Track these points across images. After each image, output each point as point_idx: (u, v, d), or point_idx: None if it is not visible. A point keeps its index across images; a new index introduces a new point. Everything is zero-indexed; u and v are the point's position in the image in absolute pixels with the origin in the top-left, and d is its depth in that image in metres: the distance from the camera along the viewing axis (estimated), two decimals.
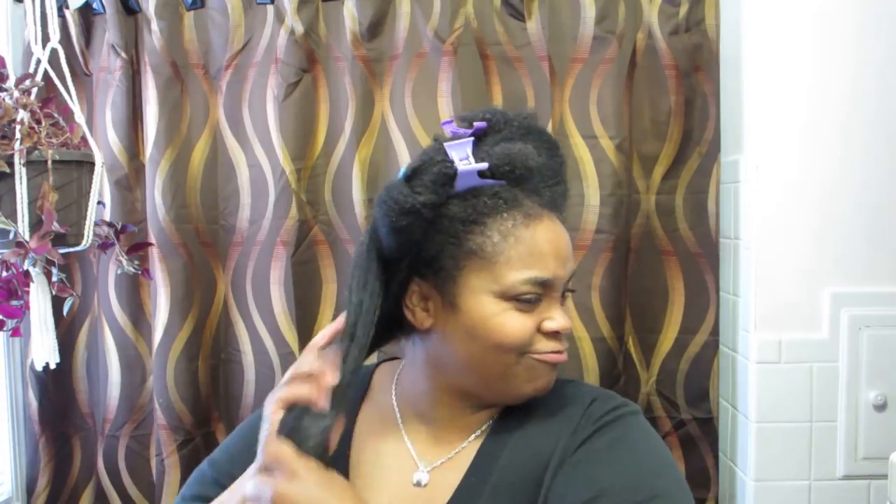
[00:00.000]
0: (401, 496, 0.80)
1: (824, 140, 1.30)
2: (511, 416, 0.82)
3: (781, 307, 1.31)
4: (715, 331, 1.40)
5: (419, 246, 0.78)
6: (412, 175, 0.77)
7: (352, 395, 0.89)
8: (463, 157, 0.77)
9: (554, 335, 0.79)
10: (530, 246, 0.77)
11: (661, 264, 1.42)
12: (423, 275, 0.79)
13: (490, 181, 0.78)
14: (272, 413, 0.73)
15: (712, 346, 1.40)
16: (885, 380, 1.30)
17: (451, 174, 0.76)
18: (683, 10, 1.37)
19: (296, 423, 0.72)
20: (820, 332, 1.31)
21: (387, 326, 0.82)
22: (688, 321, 1.41)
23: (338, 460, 0.83)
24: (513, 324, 0.77)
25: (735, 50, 1.36)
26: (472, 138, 0.79)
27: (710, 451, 1.41)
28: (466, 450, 0.81)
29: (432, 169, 0.76)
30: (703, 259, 1.40)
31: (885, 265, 1.31)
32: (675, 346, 1.42)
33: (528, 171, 0.79)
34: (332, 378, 0.73)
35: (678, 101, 1.38)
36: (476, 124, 0.81)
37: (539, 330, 0.78)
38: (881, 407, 1.30)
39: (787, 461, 1.31)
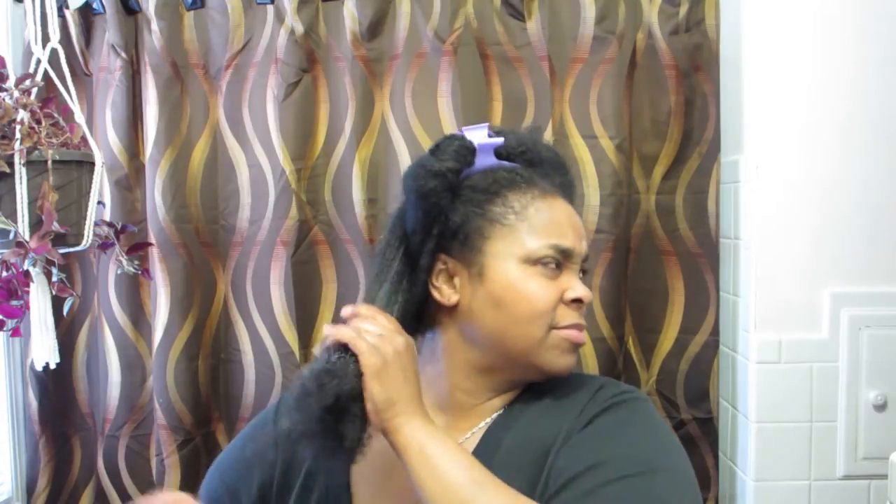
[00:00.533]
0: (406, 497, 0.80)
1: (824, 140, 1.30)
2: (521, 401, 0.84)
3: (781, 307, 1.31)
4: (715, 331, 1.40)
5: (445, 216, 0.82)
6: (436, 148, 0.83)
7: None
8: (481, 138, 0.84)
9: (576, 305, 0.82)
10: (550, 216, 0.82)
11: (661, 264, 1.42)
12: (448, 249, 0.83)
13: (506, 163, 0.84)
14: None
15: (712, 346, 1.40)
16: (885, 380, 1.30)
17: (471, 147, 0.82)
18: (683, 10, 1.37)
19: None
20: (820, 332, 1.31)
21: (408, 323, 0.84)
22: (688, 321, 1.41)
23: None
24: (539, 288, 0.80)
25: (735, 50, 1.36)
26: (487, 124, 0.86)
27: (710, 451, 1.41)
28: (475, 435, 0.82)
29: (454, 142, 0.83)
30: (703, 259, 1.40)
31: (885, 265, 1.31)
32: (675, 346, 1.42)
33: (539, 156, 0.86)
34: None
35: (678, 101, 1.38)
36: (494, 141, 0.86)
37: (562, 300, 0.81)
38: (881, 407, 1.30)
39: (787, 461, 1.31)
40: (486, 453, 0.79)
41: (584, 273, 0.87)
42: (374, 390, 0.74)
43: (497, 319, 0.81)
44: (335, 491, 0.84)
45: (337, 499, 0.84)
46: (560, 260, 0.81)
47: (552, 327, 0.81)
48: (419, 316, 0.85)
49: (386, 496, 0.82)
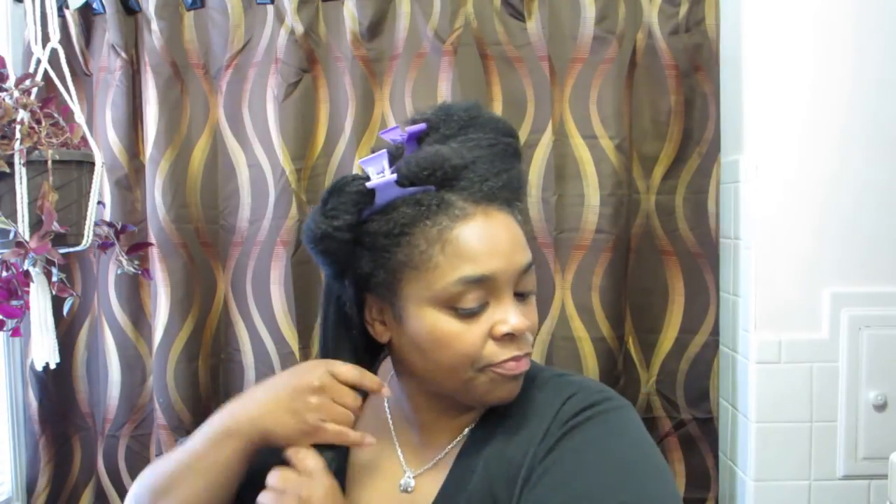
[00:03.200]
0: (388, 501, 0.81)
1: (824, 140, 1.30)
2: (490, 419, 0.80)
3: (781, 307, 1.31)
4: (715, 331, 1.40)
5: (352, 266, 0.77)
6: (327, 198, 0.75)
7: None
8: (379, 171, 0.75)
9: (509, 338, 0.74)
10: (458, 247, 0.73)
11: (661, 264, 1.42)
12: (370, 289, 0.78)
13: (413, 189, 0.74)
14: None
15: (712, 346, 1.40)
16: (885, 380, 1.30)
17: (364, 191, 0.74)
18: (683, 10, 1.37)
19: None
20: (820, 332, 1.31)
21: (365, 356, 0.83)
22: (688, 321, 1.41)
23: (339, 456, 0.84)
24: (458, 334, 0.73)
25: (735, 50, 1.36)
26: (385, 151, 0.77)
27: (710, 451, 1.41)
28: (448, 455, 0.81)
29: (346, 189, 0.75)
30: (703, 259, 1.40)
31: (885, 265, 1.31)
32: (675, 346, 1.42)
33: (452, 170, 0.74)
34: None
35: (678, 100, 1.38)
36: (410, 128, 0.79)
37: (492, 336, 0.74)
38: (881, 407, 1.30)
39: (787, 461, 1.31)
40: (460, 481, 0.78)
41: (524, 296, 0.77)
42: None
43: (423, 362, 0.77)
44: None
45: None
46: (482, 292, 0.73)
47: (484, 366, 0.74)
48: (375, 343, 0.82)
49: (373, 489, 0.82)
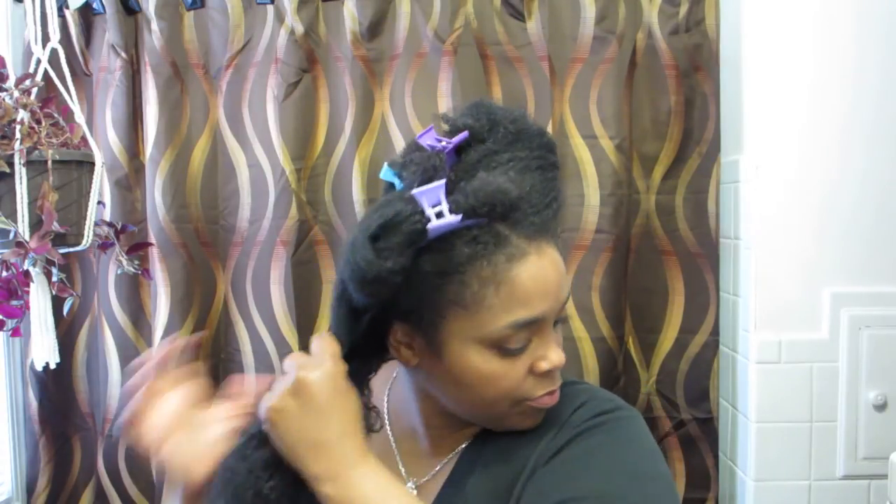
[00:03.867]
0: None
1: (824, 140, 1.30)
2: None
3: (781, 307, 1.31)
4: (715, 331, 1.40)
5: (394, 301, 0.71)
6: (379, 234, 0.67)
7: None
8: (435, 202, 0.68)
9: (547, 374, 0.74)
10: (513, 289, 0.70)
11: (661, 264, 1.42)
12: (402, 319, 0.74)
13: (468, 221, 0.69)
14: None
15: (712, 346, 1.40)
16: (885, 380, 1.30)
17: (421, 230, 0.67)
18: (683, 10, 1.37)
19: None
20: (820, 332, 1.31)
21: (370, 355, 0.79)
22: (688, 321, 1.41)
23: None
24: (502, 373, 0.72)
25: (735, 50, 1.36)
26: (443, 184, 0.69)
27: (710, 451, 1.41)
28: (451, 461, 0.80)
29: (401, 227, 0.66)
30: (703, 259, 1.40)
31: (885, 265, 1.31)
32: (675, 346, 1.42)
33: (510, 205, 0.70)
34: None
35: (678, 100, 1.38)
36: (453, 139, 0.74)
37: (531, 371, 0.73)
38: (881, 407, 1.30)
39: (787, 461, 1.31)
40: (459, 480, 0.78)
41: (563, 321, 0.77)
42: (278, 443, 0.71)
43: (458, 395, 0.75)
44: None
45: None
46: (527, 336, 0.72)
47: (520, 400, 0.74)
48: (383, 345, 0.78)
49: None
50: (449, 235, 0.68)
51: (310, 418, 0.70)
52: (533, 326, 0.72)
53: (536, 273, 0.71)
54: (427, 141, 0.75)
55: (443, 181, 0.69)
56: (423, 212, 0.67)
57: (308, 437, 0.70)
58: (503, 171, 0.72)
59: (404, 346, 0.76)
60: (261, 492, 0.71)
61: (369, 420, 0.77)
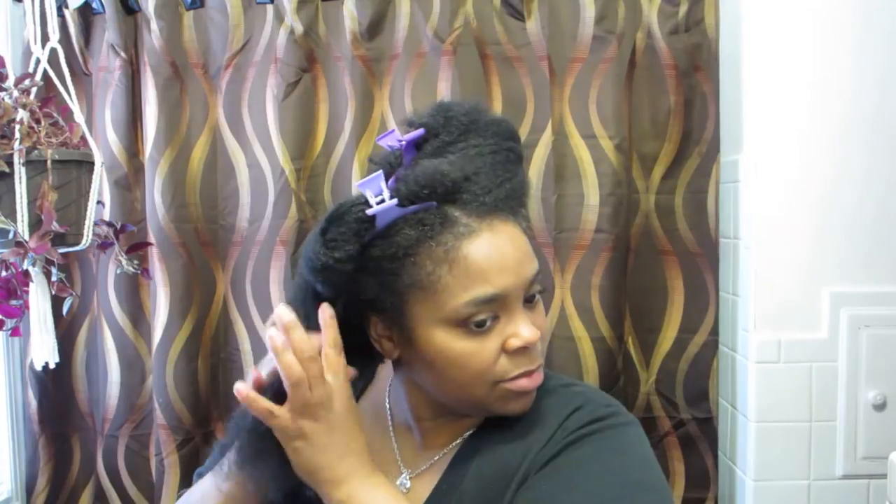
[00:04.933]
0: None
1: (824, 140, 1.30)
2: (491, 424, 0.80)
3: (781, 307, 1.31)
4: (714, 331, 1.40)
5: (355, 291, 0.74)
6: (326, 228, 0.71)
7: (360, 384, 0.89)
8: (377, 193, 0.71)
9: (522, 351, 0.73)
10: (467, 266, 0.71)
11: (661, 264, 1.42)
12: (375, 310, 0.76)
13: (414, 207, 0.71)
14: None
15: (712, 345, 1.40)
16: (884, 379, 1.30)
17: (364, 218, 0.70)
18: (683, 9, 1.37)
19: None
20: (819, 331, 1.31)
21: (356, 354, 0.79)
22: (687, 321, 1.41)
23: None
24: (471, 352, 0.72)
25: (734, 49, 1.36)
26: (380, 173, 0.72)
27: (709, 450, 1.41)
28: (445, 457, 0.81)
29: (346, 217, 0.71)
30: (702, 259, 1.40)
31: (885, 265, 1.31)
32: (675, 345, 1.42)
33: (453, 184, 0.72)
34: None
35: (678, 100, 1.38)
36: (408, 136, 0.78)
37: (504, 350, 0.73)
38: (880, 406, 1.30)
39: (787, 461, 1.31)
40: (454, 479, 0.78)
41: (538, 294, 0.76)
42: (295, 462, 0.74)
43: (436, 381, 0.76)
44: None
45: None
46: (490, 313, 0.72)
47: (497, 382, 0.74)
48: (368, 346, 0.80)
49: None
50: (398, 222, 0.71)
51: (324, 438, 0.73)
52: (495, 303, 0.72)
53: (489, 250, 0.72)
54: (387, 142, 0.79)
55: (380, 171, 0.72)
56: (365, 201, 0.71)
57: (322, 456, 0.73)
58: (449, 159, 0.75)
59: (385, 338, 0.77)
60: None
61: None
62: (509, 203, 0.75)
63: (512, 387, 0.74)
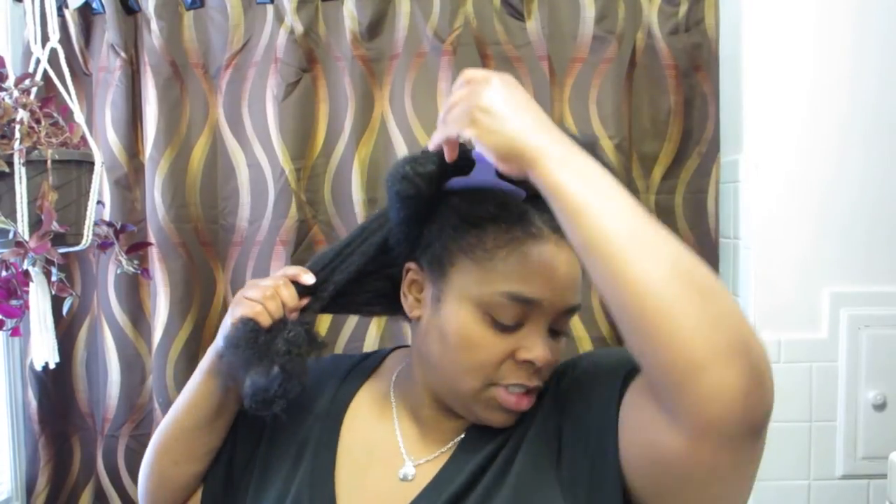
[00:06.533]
0: (385, 488, 0.80)
1: (824, 140, 1.30)
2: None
3: (781, 307, 1.31)
4: None
5: (422, 225, 0.78)
6: (424, 149, 0.76)
7: (355, 374, 0.91)
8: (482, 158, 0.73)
9: (526, 366, 0.74)
10: (521, 262, 0.73)
11: None
12: (420, 259, 0.79)
13: (507, 185, 0.74)
14: None
15: None
16: (884, 379, 1.30)
17: (464, 155, 0.74)
18: (683, 9, 1.37)
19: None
20: (819, 331, 1.31)
21: (387, 299, 0.84)
22: None
23: (328, 435, 0.85)
24: (485, 343, 0.73)
25: (734, 49, 1.36)
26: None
27: None
28: (450, 449, 0.81)
29: (439, 154, 0.75)
30: (702, 259, 1.39)
31: (885, 265, 1.31)
32: None
33: None
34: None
35: (678, 100, 1.38)
36: None
37: (513, 357, 0.74)
38: (880, 406, 1.30)
39: (787, 461, 1.31)
40: (461, 462, 0.78)
41: (557, 335, 0.77)
42: (485, 140, 0.67)
43: (440, 353, 0.77)
44: (320, 474, 0.83)
45: (320, 482, 0.82)
46: (521, 313, 0.73)
47: (491, 383, 0.74)
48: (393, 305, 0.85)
49: (361, 489, 0.82)
50: (484, 190, 0.74)
51: (523, 99, 0.68)
52: (527, 308, 0.73)
53: (547, 258, 0.73)
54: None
55: None
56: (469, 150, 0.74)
57: (528, 112, 0.67)
58: None
59: (413, 296, 0.80)
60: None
61: (317, 341, 0.82)
62: None
63: (501, 396, 0.75)
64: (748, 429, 0.58)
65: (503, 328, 0.73)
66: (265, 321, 0.79)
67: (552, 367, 0.78)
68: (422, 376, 0.82)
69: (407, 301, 0.81)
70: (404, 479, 0.80)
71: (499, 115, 0.67)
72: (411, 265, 0.81)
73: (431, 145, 0.75)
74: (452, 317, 0.75)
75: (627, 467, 0.67)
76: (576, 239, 0.63)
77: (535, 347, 0.74)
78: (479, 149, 0.68)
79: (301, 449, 0.85)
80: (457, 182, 0.76)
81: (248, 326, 0.79)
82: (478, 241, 0.74)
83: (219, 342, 0.84)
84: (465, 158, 0.75)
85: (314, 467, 0.83)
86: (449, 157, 0.74)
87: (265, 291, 0.81)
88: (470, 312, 0.74)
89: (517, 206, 0.74)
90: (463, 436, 0.81)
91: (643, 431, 0.65)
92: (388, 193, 0.78)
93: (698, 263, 0.62)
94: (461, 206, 0.75)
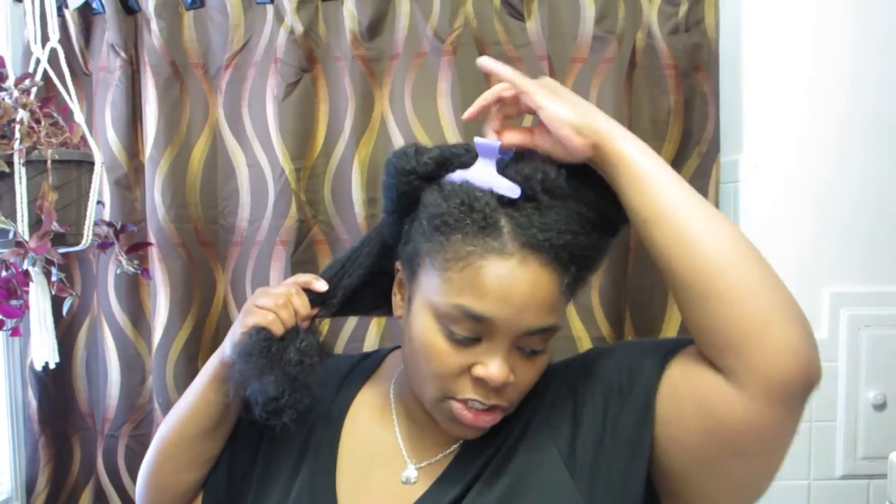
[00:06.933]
0: (387, 491, 0.80)
1: (823, 140, 1.30)
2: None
3: None
4: None
5: (402, 220, 0.78)
6: (424, 145, 0.78)
7: (355, 375, 0.91)
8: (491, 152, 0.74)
9: (482, 383, 0.71)
10: (476, 276, 0.69)
11: None
12: (399, 257, 0.80)
13: (504, 183, 0.71)
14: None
15: None
16: (884, 379, 1.30)
17: (472, 151, 0.75)
18: (683, 9, 1.37)
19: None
20: (819, 331, 1.31)
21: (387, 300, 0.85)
22: None
23: (329, 438, 0.84)
24: (440, 352, 0.71)
25: (734, 49, 1.36)
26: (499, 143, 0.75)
27: None
28: (452, 453, 0.81)
29: (445, 146, 0.78)
30: None
31: (885, 265, 1.31)
32: None
33: (541, 188, 0.70)
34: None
35: (678, 100, 1.38)
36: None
37: (469, 371, 0.72)
38: (880, 406, 1.30)
39: (787, 461, 1.30)
40: (466, 463, 0.78)
41: (532, 353, 0.73)
42: (561, 110, 0.71)
43: (409, 357, 0.77)
44: (321, 477, 0.83)
45: (322, 486, 0.82)
46: (476, 328, 0.70)
47: (447, 396, 0.73)
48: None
49: (363, 492, 0.81)
50: (459, 192, 0.71)
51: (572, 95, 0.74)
52: (480, 325, 0.70)
53: (506, 276, 0.69)
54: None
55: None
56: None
57: (586, 104, 0.74)
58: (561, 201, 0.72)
59: (399, 296, 0.81)
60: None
61: (326, 350, 0.83)
62: (561, 254, 0.70)
63: (456, 410, 0.73)
64: (806, 388, 0.62)
65: (458, 342, 0.71)
66: (278, 330, 0.79)
67: (520, 388, 0.75)
68: (406, 378, 0.83)
69: (395, 300, 0.82)
70: (406, 482, 0.80)
71: (572, 96, 0.73)
72: (398, 263, 0.81)
73: (491, 94, 0.77)
74: (416, 322, 0.74)
75: (667, 449, 0.69)
76: (645, 208, 0.68)
77: (491, 365, 0.70)
78: (550, 119, 0.71)
79: (302, 452, 0.85)
80: (453, 177, 0.74)
81: (261, 335, 0.78)
82: (440, 246, 0.71)
83: (226, 350, 0.83)
84: (461, 154, 0.77)
85: (315, 470, 0.82)
86: (477, 113, 0.77)
87: (277, 300, 0.81)
88: (429, 319, 0.72)
89: (487, 213, 0.70)
90: (451, 450, 0.81)
91: (697, 403, 0.67)
92: (383, 183, 0.79)
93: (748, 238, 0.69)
94: (431, 206, 0.73)
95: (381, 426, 0.85)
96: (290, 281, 0.85)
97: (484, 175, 0.72)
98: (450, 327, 0.71)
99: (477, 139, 0.74)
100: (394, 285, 0.83)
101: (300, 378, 0.77)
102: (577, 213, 0.71)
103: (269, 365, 0.77)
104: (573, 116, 0.70)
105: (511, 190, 0.71)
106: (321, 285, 0.84)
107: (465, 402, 0.73)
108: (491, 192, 0.71)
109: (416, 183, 0.75)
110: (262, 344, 0.78)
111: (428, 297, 0.73)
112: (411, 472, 0.81)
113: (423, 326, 0.73)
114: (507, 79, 0.75)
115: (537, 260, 0.69)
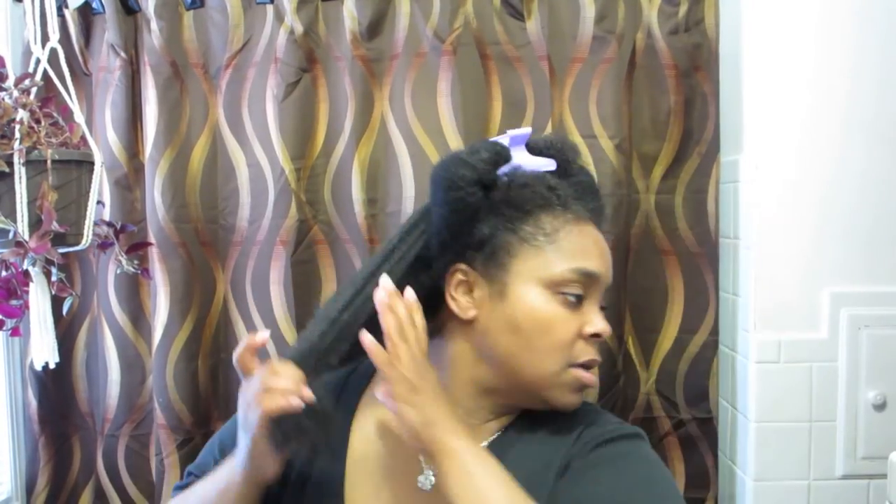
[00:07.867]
0: (404, 496, 0.80)
1: (824, 139, 1.30)
2: (516, 427, 0.82)
3: (781, 307, 1.31)
4: (714, 331, 1.40)
5: (472, 224, 0.80)
6: (470, 149, 0.83)
7: (355, 378, 0.90)
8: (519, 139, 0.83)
9: (593, 340, 0.81)
10: (579, 241, 0.80)
11: (661, 264, 1.42)
12: (471, 261, 0.81)
13: (542, 163, 0.82)
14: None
15: (712, 345, 1.40)
16: (884, 379, 1.30)
17: (503, 143, 0.82)
18: (683, 9, 1.37)
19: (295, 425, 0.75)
20: (819, 331, 1.31)
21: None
22: (687, 321, 1.41)
23: (337, 448, 0.84)
24: (560, 319, 0.78)
25: (734, 49, 1.36)
26: (530, 130, 0.85)
27: (709, 450, 1.41)
28: None
29: (489, 143, 0.83)
30: (702, 259, 1.40)
31: (885, 265, 1.31)
32: (675, 345, 1.42)
33: (574, 155, 0.85)
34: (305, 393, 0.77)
35: (678, 100, 1.38)
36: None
37: (580, 334, 0.80)
38: (880, 406, 1.30)
39: (787, 461, 1.31)
40: None
41: (603, 309, 0.85)
42: (409, 415, 0.73)
43: (513, 344, 0.79)
44: (329, 488, 0.82)
45: (330, 496, 0.82)
46: (584, 288, 0.80)
47: (569, 364, 0.79)
48: (426, 316, 0.82)
49: (377, 500, 0.81)
50: (531, 179, 0.81)
51: (438, 391, 0.76)
52: (588, 282, 0.80)
53: (596, 239, 0.83)
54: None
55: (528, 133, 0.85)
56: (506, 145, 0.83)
57: (439, 411, 0.74)
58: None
59: (465, 297, 0.81)
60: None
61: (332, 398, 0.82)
62: (600, 220, 0.87)
63: (579, 374, 0.79)
64: None
65: (572, 305, 0.79)
66: (289, 408, 0.78)
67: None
68: (461, 378, 0.82)
69: (457, 303, 0.81)
70: (423, 487, 0.80)
71: (433, 399, 0.75)
72: (460, 266, 0.81)
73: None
74: (524, 303, 0.78)
75: None
76: None
77: (598, 321, 0.81)
78: (398, 413, 0.74)
79: (307, 464, 0.84)
80: (505, 169, 0.82)
81: (282, 420, 0.77)
82: (536, 227, 0.80)
83: (244, 463, 0.80)
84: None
85: (322, 481, 0.82)
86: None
87: (267, 383, 0.80)
88: (541, 294, 0.78)
89: (562, 190, 0.81)
90: (485, 444, 0.81)
91: None
92: (438, 186, 0.81)
93: None
94: (514, 199, 0.80)
95: (394, 434, 0.83)
96: (240, 350, 0.84)
97: (526, 159, 0.83)
98: (563, 291, 0.79)
99: (510, 131, 0.83)
100: (449, 290, 0.82)
101: (327, 432, 0.78)
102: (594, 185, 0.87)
103: (303, 438, 0.77)
104: (416, 423, 0.73)
105: (549, 164, 0.83)
106: (261, 337, 0.85)
107: (583, 365, 0.80)
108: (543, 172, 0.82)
109: (479, 194, 0.80)
110: (292, 426, 0.76)
111: (535, 275, 0.79)
112: (429, 477, 0.81)
113: (536, 301, 0.78)
114: (379, 363, 0.76)
115: (593, 222, 0.84)
